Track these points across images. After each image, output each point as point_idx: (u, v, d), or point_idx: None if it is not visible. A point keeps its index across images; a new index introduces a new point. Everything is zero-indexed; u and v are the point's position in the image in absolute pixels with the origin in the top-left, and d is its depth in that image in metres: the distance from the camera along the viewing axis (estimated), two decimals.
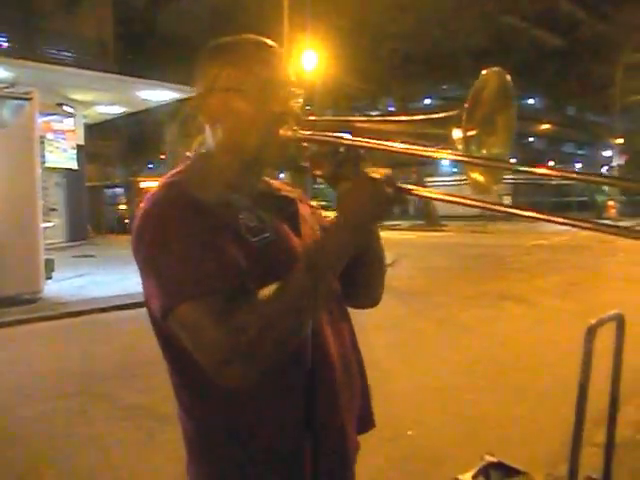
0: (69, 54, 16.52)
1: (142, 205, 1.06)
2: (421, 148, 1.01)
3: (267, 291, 0.96)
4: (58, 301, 9.02)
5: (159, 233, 0.99)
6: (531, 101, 42.90)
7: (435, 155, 1.01)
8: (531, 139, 42.43)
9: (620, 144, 29.62)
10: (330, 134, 1.08)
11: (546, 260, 13.38)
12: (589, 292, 9.09)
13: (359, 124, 1.10)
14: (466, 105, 0.93)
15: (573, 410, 1.79)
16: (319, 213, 1.30)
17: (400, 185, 1.02)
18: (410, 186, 1.05)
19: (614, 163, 30.01)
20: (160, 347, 1.13)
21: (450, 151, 0.96)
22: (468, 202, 0.97)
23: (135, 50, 20.53)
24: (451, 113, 0.96)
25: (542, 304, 8.36)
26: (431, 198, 1.06)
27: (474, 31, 22.90)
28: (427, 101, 39.76)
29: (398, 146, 1.00)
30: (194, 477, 1.15)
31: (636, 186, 0.93)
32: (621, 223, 23.78)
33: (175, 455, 3.83)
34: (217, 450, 1.10)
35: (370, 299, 1.30)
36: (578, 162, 45.28)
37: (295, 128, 1.10)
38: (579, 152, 46.05)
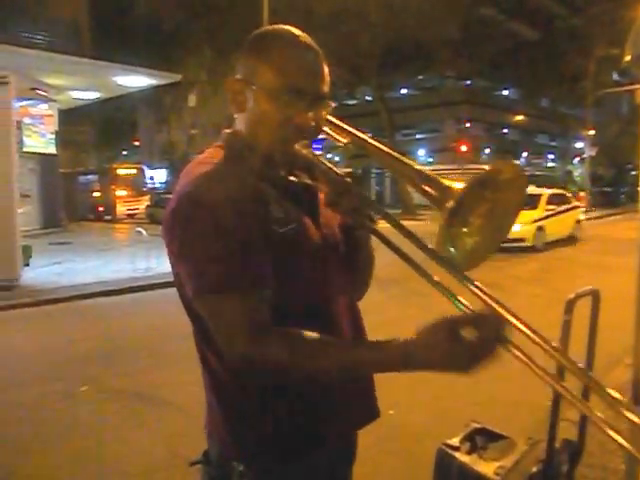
0: (42, 37, 16.14)
1: (179, 190, 1.10)
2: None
3: (308, 340, 1.03)
4: (35, 288, 8.95)
5: (197, 222, 1.04)
6: (505, 92, 43.38)
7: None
8: (505, 130, 42.95)
9: (592, 136, 30.16)
10: (335, 170, 1.14)
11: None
12: (562, 279, 9.34)
13: (373, 148, 1.15)
14: (464, 192, 0.97)
15: (546, 393, 1.89)
16: None
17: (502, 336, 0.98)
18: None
19: (586, 155, 30.56)
20: (189, 317, 1.19)
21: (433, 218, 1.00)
22: None
23: (111, 34, 20.17)
24: (455, 187, 0.98)
25: (517, 291, 8.57)
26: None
27: (451, 22, 23.02)
28: (404, 91, 39.94)
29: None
30: (214, 431, 1.23)
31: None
32: (592, 213, 24.32)
33: (162, 435, 3.92)
34: (236, 406, 1.17)
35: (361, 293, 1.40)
36: (551, 153, 46.01)
37: (310, 150, 1.16)
38: (552, 143, 46.73)
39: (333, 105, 1.20)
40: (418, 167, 1.09)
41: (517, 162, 1.00)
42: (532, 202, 13.53)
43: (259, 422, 1.15)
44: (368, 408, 1.29)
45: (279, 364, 1.01)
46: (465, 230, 1.05)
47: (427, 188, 1.04)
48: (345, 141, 1.18)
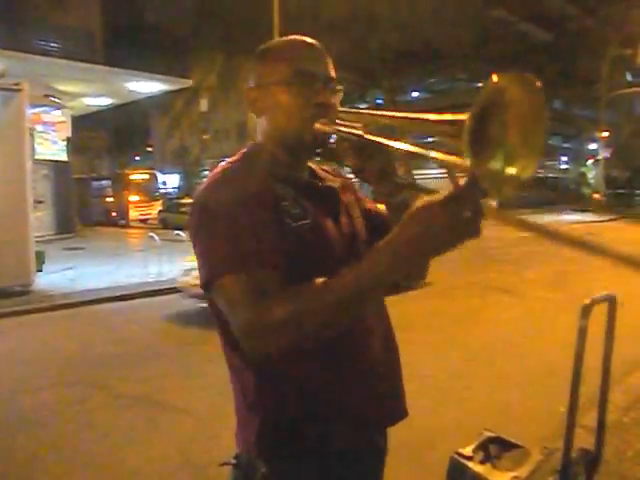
0: (56, 45, 16.32)
1: (201, 186, 1.17)
2: (432, 153, 0.94)
3: (306, 286, 1.00)
4: (49, 293, 9.00)
5: (209, 215, 1.10)
6: None
7: (440, 158, 0.91)
8: None
9: (606, 137, 29.83)
10: (354, 131, 1.13)
11: (533, 251, 13.51)
12: (576, 283, 9.22)
13: (383, 119, 1.13)
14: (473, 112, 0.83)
15: (559, 397, 1.84)
16: (364, 199, 1.38)
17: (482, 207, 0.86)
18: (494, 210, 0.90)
19: (599, 156, 30.25)
20: (211, 312, 1.21)
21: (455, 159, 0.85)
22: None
23: (123, 40, 20.35)
24: (460, 117, 0.85)
25: (529, 295, 8.48)
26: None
27: (462, 24, 22.96)
28: (415, 94, 39.87)
29: (411, 149, 1.02)
30: (240, 432, 1.23)
31: None
32: (605, 216, 24.08)
33: (174, 440, 3.91)
34: (259, 406, 1.18)
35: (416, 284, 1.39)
36: (564, 155, 45.61)
37: (329, 122, 1.18)
38: (565, 145, 46.33)
39: (341, 91, 1.25)
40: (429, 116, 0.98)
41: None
42: None
43: (280, 422, 1.16)
44: (393, 409, 1.31)
45: (284, 319, 0.97)
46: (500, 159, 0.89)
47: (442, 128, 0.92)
48: (360, 132, 1.13)
